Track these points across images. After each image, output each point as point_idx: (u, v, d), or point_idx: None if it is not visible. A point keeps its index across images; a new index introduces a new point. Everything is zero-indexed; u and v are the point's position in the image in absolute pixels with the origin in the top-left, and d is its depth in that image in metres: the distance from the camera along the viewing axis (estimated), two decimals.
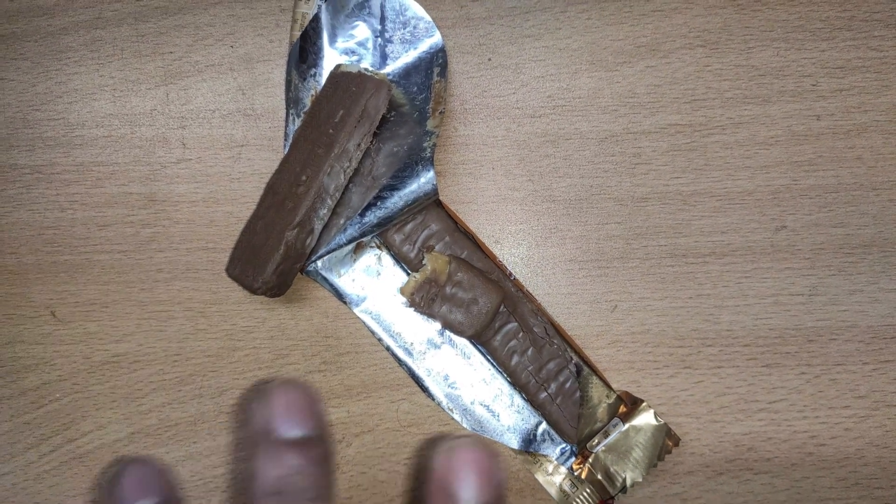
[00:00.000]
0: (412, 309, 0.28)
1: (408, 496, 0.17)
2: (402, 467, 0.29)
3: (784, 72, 0.29)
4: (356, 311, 0.29)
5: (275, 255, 0.27)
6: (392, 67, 0.29)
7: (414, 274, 0.28)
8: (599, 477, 0.28)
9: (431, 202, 0.29)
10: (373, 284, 0.29)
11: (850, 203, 0.29)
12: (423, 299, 0.27)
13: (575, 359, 0.29)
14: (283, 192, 0.28)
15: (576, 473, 0.28)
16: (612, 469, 0.28)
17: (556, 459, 0.28)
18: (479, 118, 0.30)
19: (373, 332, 0.29)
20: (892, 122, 0.29)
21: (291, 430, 0.17)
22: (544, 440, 0.28)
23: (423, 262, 0.28)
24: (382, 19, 0.29)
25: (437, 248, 0.29)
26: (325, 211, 0.27)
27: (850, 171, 0.29)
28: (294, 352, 0.30)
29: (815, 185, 0.29)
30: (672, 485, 0.29)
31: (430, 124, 0.28)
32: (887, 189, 0.29)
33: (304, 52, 0.29)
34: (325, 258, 0.29)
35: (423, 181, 0.28)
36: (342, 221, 0.28)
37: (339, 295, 0.29)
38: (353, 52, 0.29)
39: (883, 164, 0.29)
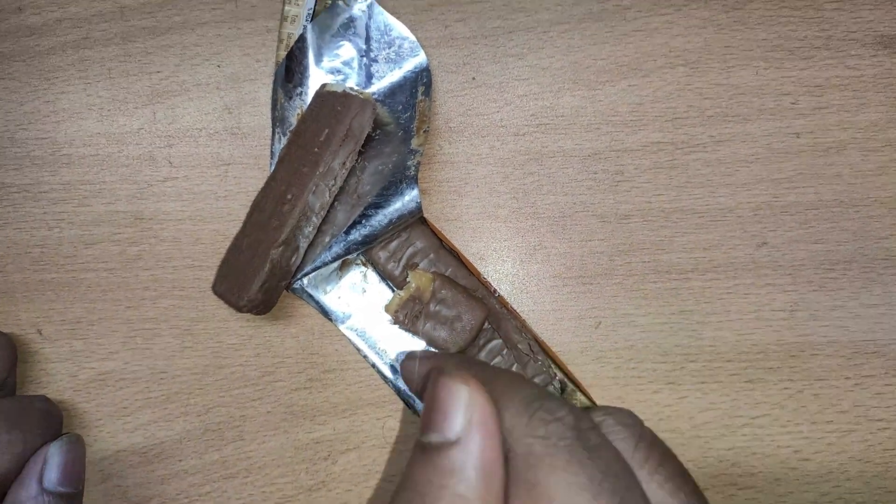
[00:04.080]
0: (397, 326, 0.29)
1: None
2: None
3: (764, 90, 0.30)
4: (342, 328, 0.29)
5: (260, 273, 0.27)
6: (377, 87, 0.30)
7: (398, 291, 0.28)
8: None
9: (416, 220, 0.29)
10: (358, 301, 0.29)
11: (831, 220, 0.29)
12: (408, 317, 0.28)
13: (559, 375, 0.29)
14: (268, 211, 0.28)
15: None
16: None
17: None
18: (464, 136, 0.30)
19: (358, 350, 0.29)
20: (870, 140, 0.30)
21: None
22: None
23: (408, 279, 0.28)
24: (367, 39, 0.30)
25: (421, 265, 0.29)
26: (310, 229, 0.28)
27: (830, 187, 0.29)
28: (280, 369, 0.30)
29: (795, 202, 0.29)
30: None
31: (414, 143, 0.28)
32: (867, 206, 0.29)
33: (290, 71, 0.30)
34: (310, 276, 0.29)
35: (407, 199, 0.28)
36: (327, 239, 0.28)
37: (325, 312, 0.29)
38: (338, 72, 0.30)
39: (862, 180, 0.29)
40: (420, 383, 0.24)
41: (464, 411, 0.19)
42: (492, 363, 0.28)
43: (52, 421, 0.27)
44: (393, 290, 0.29)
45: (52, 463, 0.24)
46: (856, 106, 0.30)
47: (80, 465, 0.25)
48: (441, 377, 0.20)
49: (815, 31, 0.30)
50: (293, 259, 0.28)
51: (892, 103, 0.30)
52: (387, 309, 0.28)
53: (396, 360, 0.29)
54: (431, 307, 0.27)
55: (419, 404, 0.29)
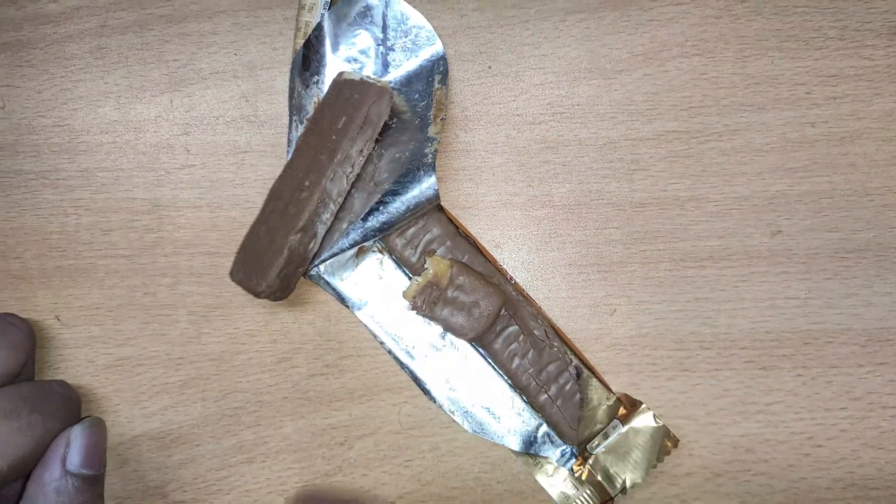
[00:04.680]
0: (414, 312, 0.29)
1: None
2: (404, 469, 0.30)
3: (778, 80, 0.30)
4: (358, 314, 0.30)
5: (278, 260, 0.27)
6: (394, 75, 0.30)
7: (416, 278, 0.28)
8: (599, 478, 0.28)
9: (433, 207, 0.29)
10: (375, 288, 0.30)
11: (845, 208, 0.30)
12: (425, 303, 0.28)
13: (575, 361, 0.29)
14: (286, 198, 0.28)
15: (576, 475, 0.29)
16: (611, 470, 0.28)
17: (557, 461, 0.29)
18: (480, 125, 0.30)
19: (375, 336, 0.30)
20: (884, 130, 0.30)
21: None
22: (545, 442, 0.29)
23: (425, 266, 0.28)
24: (384, 28, 0.30)
25: (438, 252, 0.29)
26: (327, 216, 0.28)
27: (845, 177, 0.30)
28: (297, 355, 0.30)
29: (809, 191, 0.30)
30: (671, 486, 0.29)
31: (431, 131, 0.29)
32: (881, 194, 0.30)
33: (307, 59, 0.30)
34: (327, 262, 0.29)
35: (424, 186, 0.28)
36: (345, 226, 0.29)
37: (342, 298, 0.29)
38: (355, 60, 0.30)
39: (876, 170, 0.30)
40: None
41: None
42: (508, 349, 0.29)
43: (72, 405, 0.27)
44: (409, 277, 0.29)
45: (74, 446, 0.25)
46: (870, 96, 0.30)
47: (102, 448, 0.25)
48: None
49: (829, 22, 0.30)
50: (311, 246, 0.28)
51: None
52: (405, 295, 0.28)
53: (412, 346, 0.29)
54: (449, 293, 0.28)
55: (436, 392, 0.29)
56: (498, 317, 0.28)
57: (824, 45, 0.30)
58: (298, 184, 0.28)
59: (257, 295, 0.28)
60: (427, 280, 0.28)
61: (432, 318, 0.28)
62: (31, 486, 0.24)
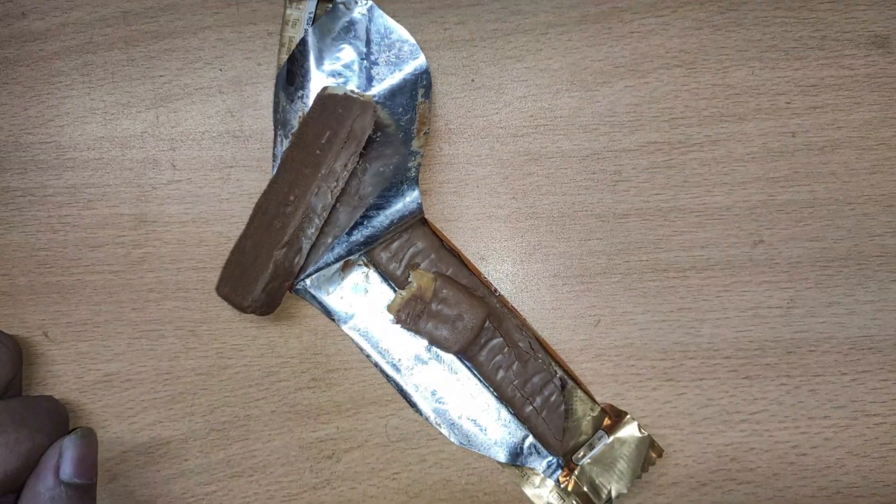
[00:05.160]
0: (399, 326, 0.29)
1: None
2: (392, 482, 0.30)
3: (759, 90, 0.30)
4: (344, 328, 0.30)
5: (264, 274, 0.27)
6: (378, 89, 0.30)
7: (400, 291, 0.29)
8: (585, 489, 0.28)
9: (417, 220, 0.29)
10: (360, 302, 0.30)
11: (826, 217, 0.30)
12: (410, 316, 0.28)
13: (559, 373, 0.29)
14: (271, 212, 0.28)
15: (562, 486, 0.29)
16: (597, 481, 0.28)
17: (543, 472, 0.29)
18: (464, 138, 0.31)
19: (361, 349, 0.30)
20: (864, 139, 0.30)
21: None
22: (531, 453, 0.29)
23: (409, 279, 0.29)
24: (368, 42, 0.30)
25: (422, 265, 0.29)
26: (312, 230, 0.28)
27: (825, 186, 0.30)
28: (283, 369, 0.30)
29: (791, 201, 0.30)
30: (657, 496, 0.29)
31: (415, 144, 0.29)
32: (861, 203, 0.30)
33: (292, 74, 0.30)
34: (313, 276, 0.29)
35: (408, 200, 0.28)
36: (330, 240, 0.29)
37: (328, 312, 0.30)
38: (339, 75, 0.30)
39: (857, 179, 0.30)
40: None
41: None
42: (493, 361, 0.29)
43: (59, 420, 0.27)
44: (395, 291, 0.30)
45: (67, 456, 0.25)
46: (850, 105, 0.30)
47: (93, 458, 0.26)
48: None
49: (809, 32, 0.30)
50: (296, 260, 0.28)
51: (886, 102, 0.30)
52: (389, 309, 0.28)
53: (398, 360, 0.29)
54: (433, 306, 0.28)
55: (422, 404, 0.29)
56: (482, 329, 0.28)
57: (804, 55, 0.30)
58: (283, 198, 0.28)
59: (243, 310, 0.28)
60: (411, 293, 0.28)
61: (417, 331, 0.28)
62: (26, 496, 0.24)
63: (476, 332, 0.28)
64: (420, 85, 0.30)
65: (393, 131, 0.29)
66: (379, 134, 0.29)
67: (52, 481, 0.24)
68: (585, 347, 0.30)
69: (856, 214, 0.30)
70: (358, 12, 0.30)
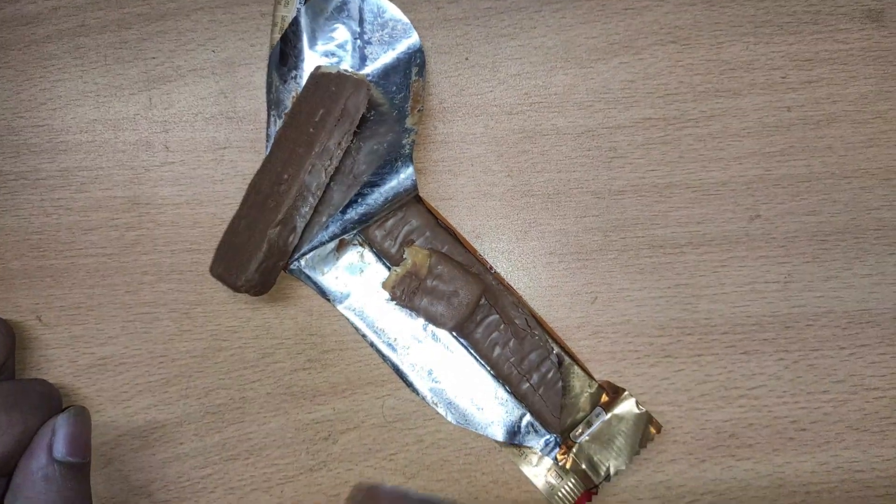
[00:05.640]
0: (394, 303, 0.29)
1: None
2: (389, 463, 0.30)
3: (754, 65, 0.30)
4: (340, 308, 0.29)
5: (257, 254, 0.27)
6: (371, 68, 0.30)
7: (395, 268, 0.28)
8: (584, 466, 0.28)
9: (411, 198, 0.29)
10: (356, 281, 0.30)
11: (822, 191, 0.30)
12: (405, 293, 0.28)
13: (556, 349, 0.29)
14: (265, 192, 0.28)
15: (560, 464, 0.29)
16: (595, 458, 0.28)
17: (541, 451, 0.29)
18: (458, 116, 0.31)
19: (356, 329, 0.30)
20: (860, 112, 0.30)
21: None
22: (528, 432, 0.29)
23: (404, 256, 0.28)
24: (361, 22, 0.30)
25: (417, 242, 0.29)
26: (307, 209, 0.28)
27: (822, 160, 0.30)
28: (279, 350, 0.30)
29: (787, 175, 0.30)
30: (656, 473, 0.29)
31: (409, 122, 0.29)
32: (858, 177, 0.30)
33: (285, 54, 0.30)
34: (308, 256, 0.29)
35: (402, 177, 0.28)
36: (324, 219, 0.29)
37: (323, 292, 0.29)
38: (332, 55, 0.30)
39: (853, 152, 0.30)
40: None
41: None
42: (489, 338, 0.29)
43: (52, 403, 0.27)
44: (390, 269, 0.29)
45: (60, 434, 0.25)
46: (845, 79, 0.30)
47: (86, 436, 0.25)
48: None
49: (803, 6, 0.30)
50: (290, 239, 0.28)
51: (881, 76, 0.30)
52: (384, 285, 0.28)
53: (394, 339, 0.29)
54: (428, 283, 0.28)
55: (419, 384, 0.29)
56: (478, 306, 0.28)
57: (798, 29, 0.30)
58: (277, 177, 0.28)
59: (237, 289, 0.27)
60: (406, 270, 0.28)
61: (412, 307, 0.28)
62: (18, 475, 0.24)
63: (472, 308, 0.27)
64: (414, 63, 0.29)
65: (387, 110, 0.29)
66: (373, 112, 0.29)
67: (45, 459, 0.24)
68: (582, 324, 0.30)
69: (852, 188, 0.30)
70: None
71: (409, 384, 0.29)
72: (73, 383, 0.30)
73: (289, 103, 0.30)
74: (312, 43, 0.30)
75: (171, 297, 0.31)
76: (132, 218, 0.31)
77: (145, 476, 0.30)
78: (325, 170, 0.28)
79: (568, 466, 0.28)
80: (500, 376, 0.29)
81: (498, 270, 0.30)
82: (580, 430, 0.28)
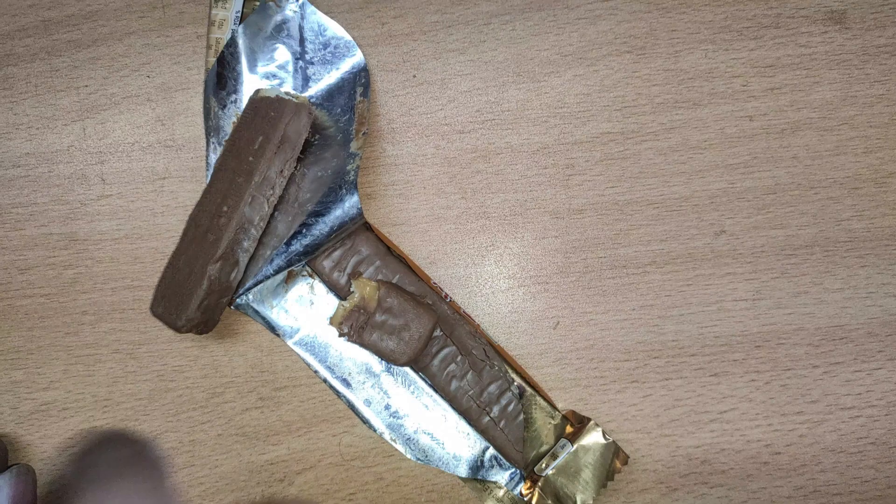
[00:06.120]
0: (344, 339, 0.27)
1: None
2: (348, 503, 0.28)
3: (713, 73, 0.29)
4: (290, 343, 0.28)
5: (198, 291, 0.26)
6: (315, 89, 0.28)
7: (342, 302, 0.27)
8: (550, 501, 0.27)
9: (359, 226, 0.28)
10: (306, 314, 0.28)
11: (789, 203, 0.28)
12: (353, 329, 0.26)
13: (517, 380, 0.28)
14: (204, 225, 0.27)
15: (526, 499, 0.27)
16: (562, 492, 0.27)
17: (506, 485, 0.27)
18: (407, 137, 0.29)
19: (309, 365, 0.28)
20: (825, 119, 0.29)
21: None
22: (492, 466, 0.27)
23: (352, 289, 0.27)
24: (302, 41, 0.28)
25: (367, 273, 0.28)
26: (249, 242, 0.26)
27: (787, 170, 0.29)
28: (229, 389, 0.29)
29: (752, 187, 0.28)
30: None
31: (353, 146, 0.27)
32: (825, 187, 0.28)
33: (223, 78, 0.28)
34: (255, 290, 0.28)
35: (347, 206, 0.27)
36: (269, 252, 0.27)
37: (272, 327, 0.28)
38: (274, 76, 0.29)
39: (819, 161, 0.29)
40: None
41: None
42: (445, 371, 0.27)
43: None
44: (340, 301, 0.28)
45: (2, 495, 0.23)
46: (809, 84, 0.29)
47: (31, 496, 0.24)
48: None
49: (763, 10, 0.29)
50: (233, 274, 0.26)
51: (846, 80, 0.29)
52: (331, 321, 0.27)
53: (348, 373, 0.28)
54: (377, 317, 0.26)
55: (375, 420, 0.28)
56: (430, 338, 0.27)
57: (759, 34, 0.29)
58: (217, 209, 0.26)
59: (178, 330, 0.26)
60: (354, 304, 0.26)
61: (361, 344, 0.26)
62: None
63: (424, 341, 0.26)
64: (358, 83, 0.28)
65: (332, 133, 0.28)
66: (317, 137, 0.28)
67: None
68: (545, 351, 0.28)
69: (820, 199, 0.28)
70: (290, 10, 0.28)
71: (366, 421, 0.28)
72: (16, 431, 0.29)
73: (229, 129, 0.29)
74: (252, 65, 0.28)
75: (113, 337, 0.29)
76: (70, 255, 0.29)
77: None
78: (268, 200, 0.26)
79: (534, 501, 0.27)
80: (459, 410, 0.27)
81: (454, 298, 0.28)
82: (545, 464, 0.27)
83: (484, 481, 0.28)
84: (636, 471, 0.28)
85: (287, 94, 0.27)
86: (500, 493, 0.28)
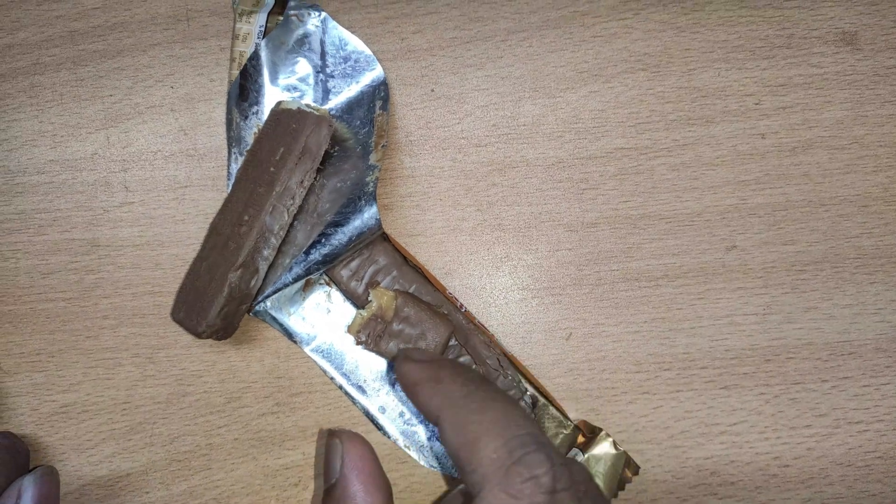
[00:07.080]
0: (361, 347, 0.28)
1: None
2: None
3: (726, 92, 0.29)
4: (307, 350, 0.29)
5: (218, 298, 0.26)
6: (335, 102, 0.29)
7: (360, 311, 0.28)
8: None
9: (377, 237, 0.28)
10: (323, 322, 0.29)
11: (800, 220, 0.29)
12: (371, 337, 0.27)
13: (530, 390, 0.28)
14: (226, 233, 0.27)
15: None
16: None
17: None
18: (425, 149, 0.30)
19: (325, 371, 0.29)
20: (836, 138, 0.29)
21: None
22: None
23: (369, 298, 0.28)
24: (323, 55, 0.29)
25: (384, 282, 0.28)
26: (269, 251, 0.27)
27: (798, 188, 0.29)
28: (246, 394, 0.29)
29: (763, 204, 0.29)
30: None
31: (372, 158, 0.28)
32: (836, 204, 0.29)
33: (245, 90, 0.29)
34: (273, 297, 0.28)
35: (366, 216, 0.27)
36: (288, 260, 0.28)
37: (289, 334, 0.29)
38: (294, 89, 0.29)
39: (830, 179, 0.29)
40: (408, 387, 0.24)
41: (338, 460, 0.24)
42: None
43: (18, 457, 0.26)
44: (357, 310, 0.28)
45: (26, 496, 0.24)
46: (820, 104, 0.29)
47: (54, 497, 0.25)
48: (328, 438, 0.25)
49: (776, 30, 0.30)
50: (253, 282, 0.27)
51: (857, 100, 0.29)
52: (349, 330, 0.27)
53: (364, 381, 0.28)
54: (394, 326, 0.27)
55: (389, 427, 0.28)
56: (446, 347, 0.27)
57: (771, 54, 0.29)
58: (238, 218, 0.27)
59: (199, 335, 0.27)
60: (371, 313, 0.27)
61: (378, 352, 0.27)
62: None
63: (440, 350, 0.27)
64: (378, 97, 0.29)
65: (351, 145, 0.28)
66: (336, 148, 0.29)
67: None
68: (557, 362, 0.29)
69: (830, 216, 0.29)
70: (311, 24, 0.29)
71: (380, 427, 0.28)
72: (36, 432, 0.30)
73: (250, 140, 0.29)
74: (273, 77, 0.29)
75: (133, 341, 0.30)
76: (92, 261, 0.30)
77: None
78: (288, 210, 0.27)
79: None
80: None
81: (469, 308, 0.29)
82: None
83: None
84: (646, 481, 0.28)
85: (308, 106, 0.28)
86: None
